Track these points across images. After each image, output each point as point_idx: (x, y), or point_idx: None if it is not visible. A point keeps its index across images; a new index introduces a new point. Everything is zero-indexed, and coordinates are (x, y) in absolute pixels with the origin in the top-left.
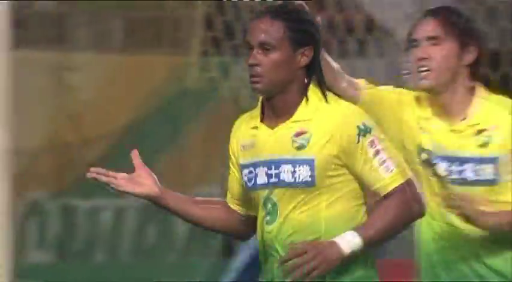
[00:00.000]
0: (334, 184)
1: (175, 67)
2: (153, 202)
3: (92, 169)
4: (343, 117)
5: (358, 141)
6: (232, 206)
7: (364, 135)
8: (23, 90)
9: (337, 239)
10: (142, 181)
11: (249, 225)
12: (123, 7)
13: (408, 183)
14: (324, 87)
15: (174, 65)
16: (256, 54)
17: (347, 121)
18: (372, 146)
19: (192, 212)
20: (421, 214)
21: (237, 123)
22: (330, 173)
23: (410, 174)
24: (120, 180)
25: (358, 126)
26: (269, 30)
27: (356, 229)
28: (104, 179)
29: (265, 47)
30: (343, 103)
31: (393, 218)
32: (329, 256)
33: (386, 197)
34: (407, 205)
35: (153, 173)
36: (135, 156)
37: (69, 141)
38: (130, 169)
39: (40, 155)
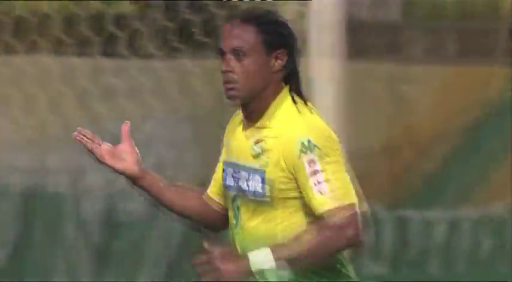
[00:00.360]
0: (288, 198)
1: (509, 77)
2: (130, 181)
3: (78, 129)
4: (291, 130)
5: (299, 158)
6: (212, 196)
7: (305, 153)
8: (358, 99)
9: (251, 255)
10: (124, 157)
11: (223, 220)
12: (458, 18)
13: (342, 210)
14: (298, 94)
15: (508, 75)
16: (230, 61)
17: (293, 134)
18: (310, 165)
19: (166, 198)
20: (351, 243)
21: (233, 117)
22: (282, 186)
23: (350, 201)
24: (102, 150)
25: (302, 142)
26: (241, 35)
27: (273, 248)
28: (89, 145)
29: (238, 53)
30: (305, 114)
31: (314, 243)
32: (231, 269)
33: (319, 219)
34: (332, 232)
35: (137, 150)
36: (125, 127)
37: (404, 152)
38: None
39: (375, 165)
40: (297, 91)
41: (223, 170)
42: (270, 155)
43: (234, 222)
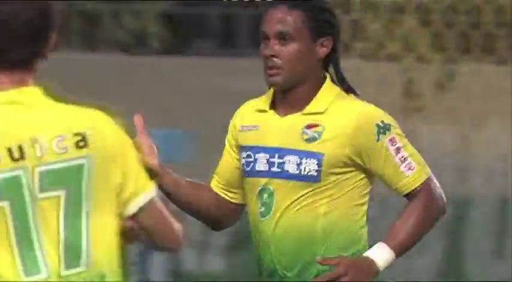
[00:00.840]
0: (339, 182)
1: None
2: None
3: None
4: (360, 115)
5: (378, 140)
6: (217, 191)
7: (384, 133)
8: None
9: (372, 256)
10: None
11: (230, 215)
12: None
13: (430, 180)
14: (342, 82)
15: None
16: (274, 45)
17: (364, 119)
18: (392, 144)
19: (182, 194)
20: (444, 211)
21: (243, 105)
22: (337, 170)
23: (430, 171)
24: None
25: (377, 124)
26: (287, 19)
27: (386, 241)
28: None
29: (283, 37)
30: (359, 101)
31: (420, 220)
32: (365, 275)
33: (410, 195)
34: (432, 203)
35: (154, 146)
36: (138, 119)
37: None
38: None
39: None
40: (340, 79)
41: (246, 156)
42: (331, 140)
43: (262, 210)
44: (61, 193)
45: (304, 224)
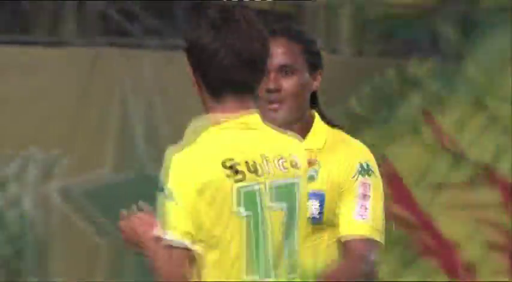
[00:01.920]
0: (336, 217)
1: None
2: None
3: None
4: (350, 152)
5: (354, 176)
6: None
7: (363, 175)
8: None
9: None
10: None
11: None
12: None
13: (373, 244)
14: (323, 116)
15: None
16: (277, 79)
17: (353, 156)
18: (363, 188)
19: None
20: (367, 279)
21: None
22: (334, 206)
23: (380, 240)
24: None
25: (361, 164)
26: (289, 52)
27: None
28: None
29: (285, 70)
30: (352, 139)
31: (358, 270)
32: None
33: (346, 243)
34: (364, 265)
35: None
36: None
37: None
38: None
39: None
40: (323, 113)
41: None
42: (328, 177)
43: None
44: (283, 206)
45: (307, 264)
